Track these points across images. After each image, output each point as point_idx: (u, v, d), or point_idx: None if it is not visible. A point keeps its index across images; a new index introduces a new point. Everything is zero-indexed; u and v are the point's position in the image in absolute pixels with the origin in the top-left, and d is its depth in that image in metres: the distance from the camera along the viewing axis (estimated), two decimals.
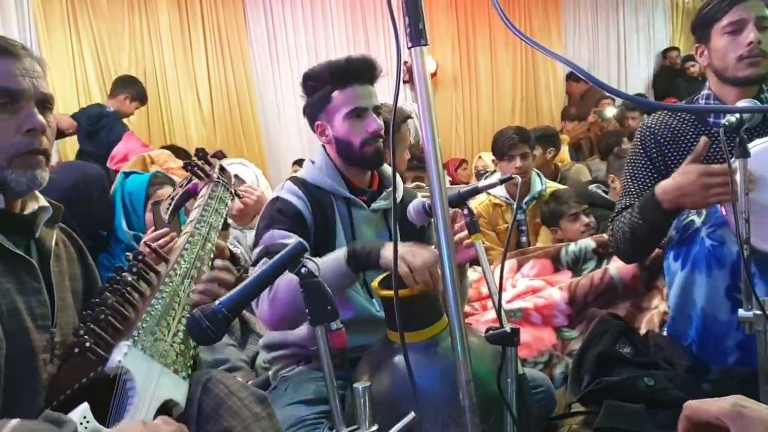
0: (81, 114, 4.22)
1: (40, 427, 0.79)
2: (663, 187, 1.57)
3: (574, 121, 6.38)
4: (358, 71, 1.66)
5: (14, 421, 0.79)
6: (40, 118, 1.03)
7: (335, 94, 1.66)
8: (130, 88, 4.39)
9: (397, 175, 1.66)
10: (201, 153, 1.40)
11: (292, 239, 1.53)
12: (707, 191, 1.47)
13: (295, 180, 1.72)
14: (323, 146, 1.77)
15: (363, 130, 1.65)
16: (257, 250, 1.57)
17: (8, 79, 1.01)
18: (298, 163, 5.00)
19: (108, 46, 5.24)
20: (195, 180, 1.36)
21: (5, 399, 0.95)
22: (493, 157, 3.27)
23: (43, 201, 1.11)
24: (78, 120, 4.12)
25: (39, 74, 1.06)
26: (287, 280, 1.44)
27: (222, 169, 1.41)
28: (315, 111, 1.72)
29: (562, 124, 6.69)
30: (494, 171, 3.47)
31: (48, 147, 1.06)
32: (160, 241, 1.90)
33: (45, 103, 1.07)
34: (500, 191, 3.02)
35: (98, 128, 4.06)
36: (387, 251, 1.40)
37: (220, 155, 1.44)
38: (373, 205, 1.72)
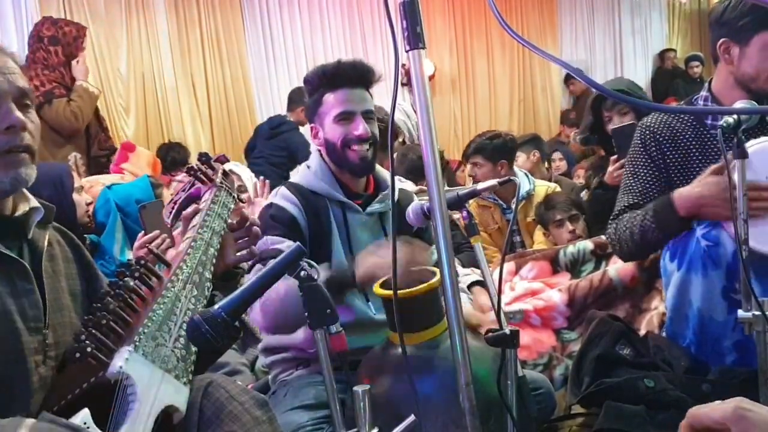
0: (264, 123, 4.65)
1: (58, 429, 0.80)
2: (681, 194, 1.58)
3: (573, 126, 6.40)
4: (349, 74, 1.67)
5: (31, 420, 0.79)
6: (19, 114, 1.01)
7: (326, 96, 1.68)
8: (303, 101, 4.84)
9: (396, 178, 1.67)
10: (204, 157, 1.40)
11: (285, 244, 1.54)
12: (727, 203, 1.45)
13: (290, 185, 1.72)
14: (318, 150, 1.77)
15: (349, 133, 1.66)
16: None
17: None
18: None
19: (106, 50, 5.25)
20: (198, 184, 1.36)
21: None
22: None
23: (34, 202, 1.11)
24: (261, 128, 4.59)
25: (14, 70, 1.04)
26: (275, 288, 1.46)
27: (225, 174, 1.41)
28: (311, 114, 1.74)
29: (561, 128, 6.71)
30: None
31: (31, 143, 1.04)
32: (153, 244, 1.91)
33: (24, 99, 1.05)
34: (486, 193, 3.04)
35: (278, 132, 4.39)
36: (360, 268, 1.46)
37: (223, 159, 1.44)
38: (369, 209, 1.72)
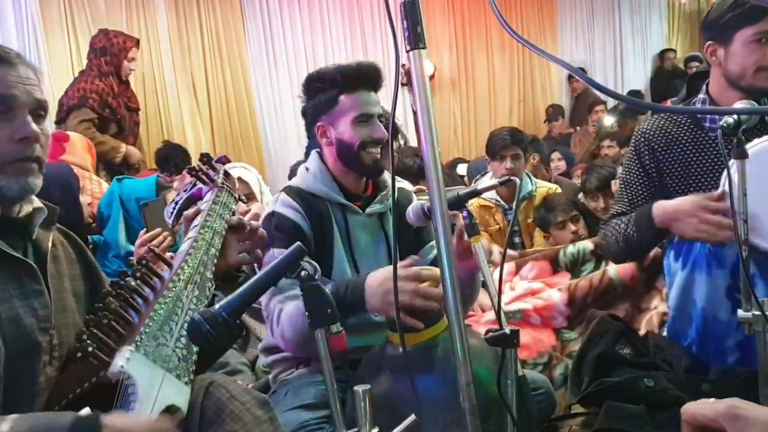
0: None
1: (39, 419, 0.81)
2: (661, 206, 1.59)
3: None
4: (367, 77, 1.67)
5: (13, 416, 0.80)
6: (34, 126, 1.04)
7: (343, 97, 1.66)
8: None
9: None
10: (205, 158, 1.40)
11: None
12: (697, 224, 1.48)
13: (290, 190, 1.71)
14: (317, 152, 1.77)
15: (367, 135, 1.66)
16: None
17: (2, 87, 1.01)
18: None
19: None
20: (199, 185, 1.36)
21: (3, 400, 0.96)
22: (486, 157, 3.30)
23: (37, 202, 1.12)
24: None
25: (33, 82, 1.06)
26: (287, 313, 1.51)
27: (226, 174, 1.41)
28: (317, 112, 1.71)
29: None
30: (485, 173, 3.48)
31: (41, 154, 1.07)
32: (154, 242, 1.91)
33: (39, 110, 1.07)
34: (489, 193, 3.04)
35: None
36: (370, 297, 1.45)
37: (224, 160, 1.45)
38: (368, 210, 1.72)
